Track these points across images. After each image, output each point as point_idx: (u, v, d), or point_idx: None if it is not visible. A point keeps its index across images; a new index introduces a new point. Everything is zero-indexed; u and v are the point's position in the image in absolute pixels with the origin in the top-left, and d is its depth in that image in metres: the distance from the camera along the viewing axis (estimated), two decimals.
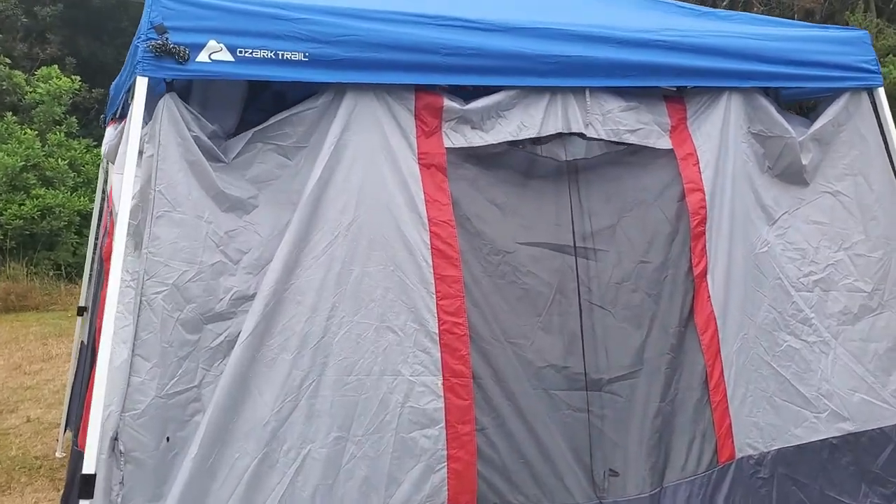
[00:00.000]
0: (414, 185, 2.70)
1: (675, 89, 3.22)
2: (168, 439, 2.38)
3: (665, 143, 3.10)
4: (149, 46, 2.40)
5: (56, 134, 12.45)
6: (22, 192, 11.43)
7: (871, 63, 3.45)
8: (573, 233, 2.92)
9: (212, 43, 2.47)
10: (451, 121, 2.78)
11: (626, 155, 3.08)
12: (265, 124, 2.62)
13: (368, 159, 2.68)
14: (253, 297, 2.50)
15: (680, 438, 2.94)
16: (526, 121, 2.85)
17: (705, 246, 3.08)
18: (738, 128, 3.21)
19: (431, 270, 2.66)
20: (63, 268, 11.42)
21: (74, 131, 13.15)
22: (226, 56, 2.49)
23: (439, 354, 2.63)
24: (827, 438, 3.16)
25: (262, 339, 2.47)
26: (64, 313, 9.83)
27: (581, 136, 2.95)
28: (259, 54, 2.52)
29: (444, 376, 2.62)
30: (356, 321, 2.57)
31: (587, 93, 2.95)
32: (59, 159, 12.07)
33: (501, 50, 2.80)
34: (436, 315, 2.64)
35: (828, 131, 3.38)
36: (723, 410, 2.99)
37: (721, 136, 3.16)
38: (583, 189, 2.97)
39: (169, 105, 2.45)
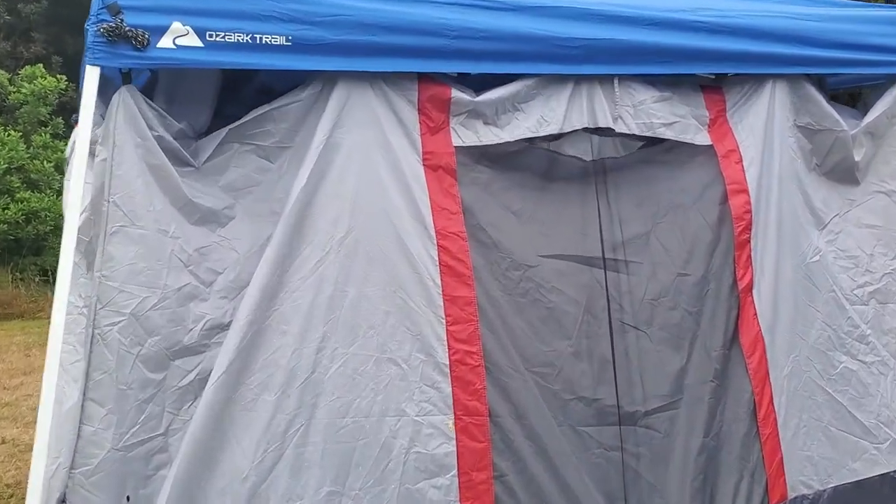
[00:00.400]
0: (418, 191, 2.31)
1: (713, 77, 2.83)
2: (128, 499, 1.99)
3: (703, 138, 2.71)
4: (100, 30, 2.01)
5: (41, 135, 12.02)
6: (6, 196, 11.01)
7: None
8: (602, 242, 2.53)
9: (176, 25, 2.08)
10: (460, 115, 2.39)
11: (660, 153, 2.69)
12: (242, 121, 2.24)
13: (364, 161, 2.29)
14: (229, 326, 2.11)
15: (726, 478, 2.55)
16: (547, 115, 2.46)
17: (751, 255, 2.69)
18: (783, 120, 2.81)
19: (440, 291, 2.27)
20: (50, 273, 11.00)
21: (61, 132, 12.70)
22: (193, 41, 2.10)
23: (450, 389, 2.24)
24: (888, 473, 2.77)
25: (240, 376, 2.08)
26: (50, 321, 9.42)
27: (609, 131, 2.56)
28: (233, 38, 2.13)
29: (456, 415, 2.23)
30: (352, 353, 2.18)
31: (616, 82, 2.56)
32: (45, 161, 11.64)
33: (517, 32, 2.41)
34: (445, 343, 2.25)
35: (882, 123, 2.99)
36: (773, 444, 2.60)
37: (766, 129, 2.77)
38: (612, 192, 2.58)
39: (125, 99, 2.06)
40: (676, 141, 2.67)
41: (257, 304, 2.10)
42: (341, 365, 2.17)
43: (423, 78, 2.36)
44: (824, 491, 2.68)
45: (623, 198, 2.59)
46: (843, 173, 2.95)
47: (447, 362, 2.24)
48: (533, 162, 2.51)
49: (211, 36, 2.10)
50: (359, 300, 2.21)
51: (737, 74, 2.80)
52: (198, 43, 2.09)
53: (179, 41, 2.07)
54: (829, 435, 2.72)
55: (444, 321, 2.25)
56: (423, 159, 2.34)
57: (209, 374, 2.06)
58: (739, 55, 2.72)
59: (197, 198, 2.14)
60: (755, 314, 2.66)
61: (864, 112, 3.04)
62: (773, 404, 2.63)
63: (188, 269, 2.10)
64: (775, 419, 2.62)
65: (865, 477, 2.73)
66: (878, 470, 2.75)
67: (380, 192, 2.29)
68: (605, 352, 2.49)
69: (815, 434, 2.69)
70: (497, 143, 2.41)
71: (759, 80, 2.80)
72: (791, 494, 2.62)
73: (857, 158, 2.94)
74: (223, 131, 2.22)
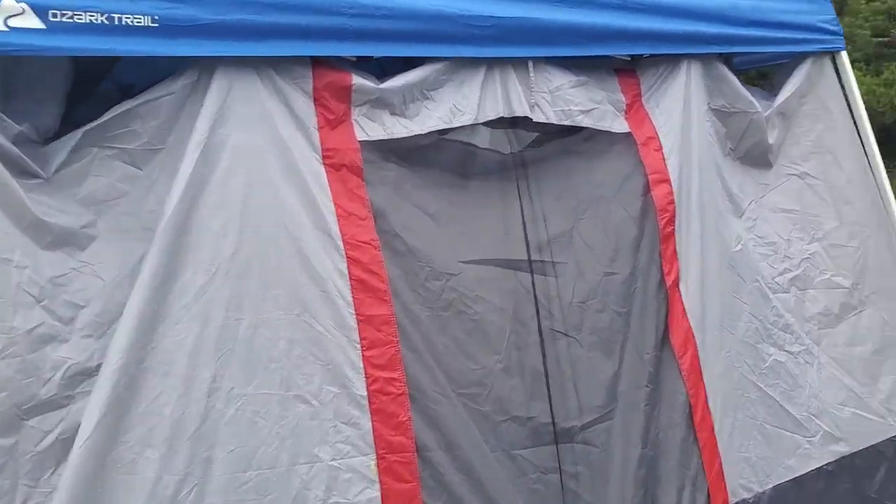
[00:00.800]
0: (320, 195, 1.99)
1: (628, 59, 2.64)
2: None
3: (621, 125, 2.52)
4: None
5: None
6: None
7: (832, 23, 2.99)
8: (527, 243, 2.29)
9: (8, 2, 1.66)
10: (363, 105, 2.07)
11: (578, 142, 2.48)
12: (101, 120, 1.83)
13: (253, 162, 1.95)
14: (97, 370, 1.71)
15: (667, 489, 2.37)
16: (459, 103, 2.19)
17: (676, 249, 2.52)
18: (700, 103, 2.66)
19: (352, 310, 1.95)
20: None
21: None
22: (32, 21, 1.68)
23: (370, 425, 1.93)
24: (822, 466, 2.68)
25: (115, 432, 1.70)
26: None
27: (526, 121, 2.31)
28: (84, 18, 1.74)
29: (378, 454, 1.92)
30: (251, 393, 1.83)
31: (530, 65, 2.32)
32: None
33: (423, 10, 2.12)
34: (362, 371, 1.94)
35: (792, 104, 2.90)
36: (712, 449, 2.45)
37: (683, 114, 2.61)
38: (533, 187, 2.34)
39: None
40: (595, 129, 2.46)
41: (131, 343, 1.72)
42: (239, 409, 1.81)
43: (318, 63, 2.03)
44: (764, 492, 2.54)
45: (545, 193, 2.36)
46: (757, 157, 2.84)
47: (365, 394, 1.93)
48: (447, 156, 2.23)
49: (55, 15, 1.70)
50: (255, 329, 1.86)
51: (651, 56, 2.63)
52: (38, 24, 1.68)
53: (13, 22, 1.66)
54: (765, 433, 2.59)
55: (358, 346, 1.94)
56: (324, 157, 2.01)
57: (75, 433, 1.66)
58: (654, 34, 2.54)
59: (48, 216, 1.73)
60: (684, 311, 2.49)
61: (773, 93, 2.95)
62: (708, 406, 2.47)
63: (41, 305, 1.69)
64: (711, 422, 2.46)
65: (802, 473, 2.63)
66: (812, 465, 2.65)
67: (274, 198, 1.95)
68: (536, 363, 2.25)
69: (750, 433, 2.56)
70: (407, 136, 2.11)
71: (674, 61, 2.63)
72: (732, 500, 2.47)
73: (771, 141, 2.83)
74: (77, 133, 1.81)
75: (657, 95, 2.61)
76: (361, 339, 1.94)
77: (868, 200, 2.99)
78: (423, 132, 2.13)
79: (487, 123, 2.27)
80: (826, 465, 2.67)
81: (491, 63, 2.26)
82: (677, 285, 2.49)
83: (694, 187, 2.58)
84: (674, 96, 2.61)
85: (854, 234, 2.94)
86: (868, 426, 2.82)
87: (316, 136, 2.01)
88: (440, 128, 2.15)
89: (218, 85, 1.92)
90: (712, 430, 2.45)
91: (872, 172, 3.01)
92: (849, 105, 3.02)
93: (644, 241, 2.48)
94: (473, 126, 2.27)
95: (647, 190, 2.50)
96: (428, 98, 2.17)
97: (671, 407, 2.42)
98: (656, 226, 2.49)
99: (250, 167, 1.94)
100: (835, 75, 3.01)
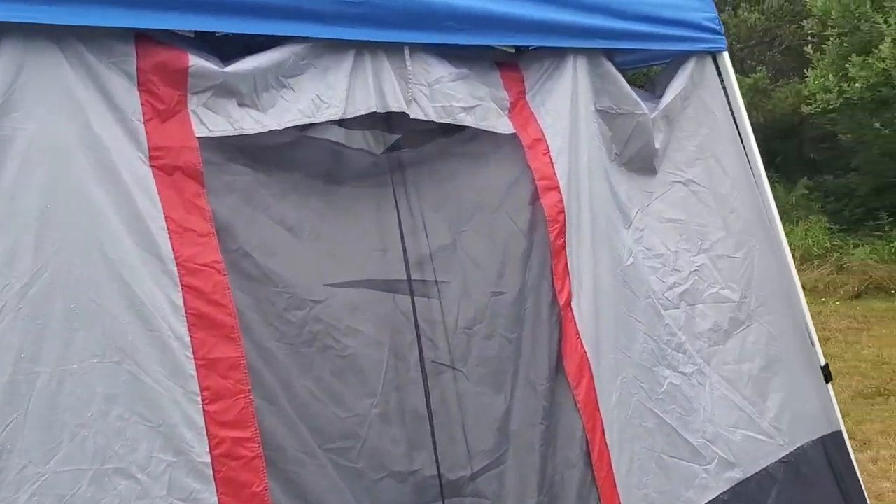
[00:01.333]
0: (145, 205, 1.55)
1: (513, 51, 2.36)
2: None
3: (506, 125, 2.23)
4: None
5: None
6: None
7: (714, 21, 2.85)
8: (406, 260, 1.94)
9: None
10: (203, 92, 1.65)
11: (461, 143, 2.16)
12: None
13: (56, 163, 1.49)
14: None
15: None
16: (324, 94, 1.81)
17: (567, 263, 2.25)
18: (587, 103, 2.42)
19: (190, 353, 1.52)
20: None
21: None
22: None
23: (216, 500, 1.51)
24: (718, 496, 2.50)
25: None
26: None
27: (403, 117, 1.97)
28: None
29: None
30: (52, 471, 1.37)
31: (406, 53, 1.98)
32: None
33: None
34: (204, 432, 1.51)
35: (676, 106, 2.72)
36: (610, 489, 2.19)
37: (571, 114, 2.36)
38: (412, 194, 2.00)
39: None
40: (478, 128, 2.16)
41: None
42: (35, 494, 1.35)
43: (142, 39, 1.60)
44: None
45: (425, 200, 2.03)
46: (643, 162, 2.63)
47: (208, 460, 1.51)
48: (311, 158, 1.84)
49: None
50: (59, 384, 1.40)
51: (535, 50, 2.36)
52: None
53: None
54: (663, 464, 2.37)
55: (199, 399, 1.52)
56: (151, 158, 1.58)
57: None
58: (538, 24, 2.28)
59: None
60: (577, 333, 2.23)
61: (656, 94, 2.76)
62: (605, 440, 2.22)
63: None
64: (609, 458, 2.21)
65: None
66: (709, 495, 2.46)
67: (84, 209, 1.50)
68: (418, 405, 1.90)
69: (648, 466, 2.33)
70: (260, 133, 1.71)
71: (560, 56, 2.37)
72: None
73: (657, 146, 2.64)
74: None
75: (543, 93, 2.34)
76: (202, 389, 1.52)
77: (752, 208, 2.86)
78: (279, 127, 1.73)
79: (358, 120, 1.90)
80: (722, 494, 2.50)
81: (361, 48, 1.90)
82: (570, 304, 2.23)
83: (584, 195, 2.33)
84: (560, 95, 2.35)
85: (740, 244, 2.80)
86: (759, 448, 2.67)
87: (141, 130, 1.57)
88: (301, 123, 1.77)
89: (5, 62, 1.45)
90: (610, 467, 2.21)
91: (755, 178, 2.90)
92: (730, 108, 2.89)
93: (533, 255, 2.20)
94: (342, 122, 1.90)
95: (535, 198, 2.23)
96: (285, 87, 1.77)
97: (567, 444, 2.15)
98: (546, 238, 2.22)
99: (51, 169, 1.48)
100: (717, 77, 2.87)
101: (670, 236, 2.66)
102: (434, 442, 1.88)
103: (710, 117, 2.83)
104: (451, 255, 2.06)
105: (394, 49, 1.96)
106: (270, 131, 1.72)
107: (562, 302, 2.21)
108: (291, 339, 1.69)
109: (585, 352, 2.22)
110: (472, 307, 2.06)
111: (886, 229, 9.35)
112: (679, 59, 2.78)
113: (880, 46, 8.49)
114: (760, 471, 2.64)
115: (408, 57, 1.97)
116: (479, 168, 2.20)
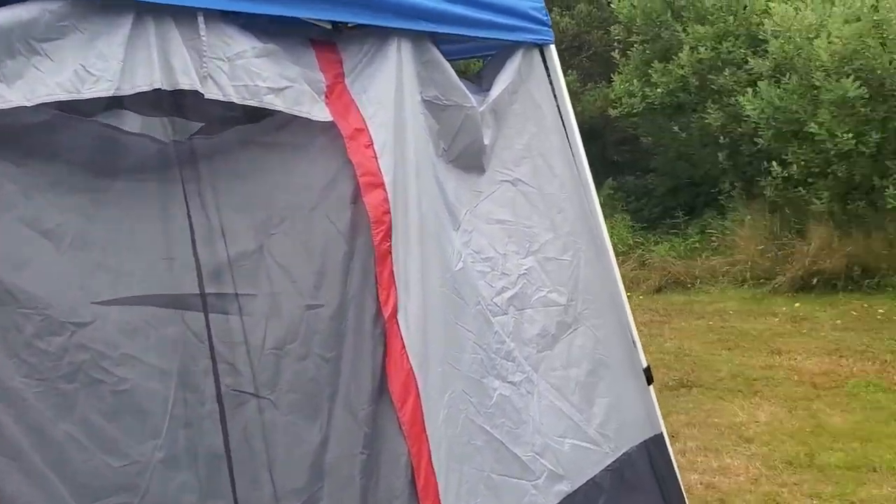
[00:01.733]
0: None
1: (329, 27, 2.08)
2: None
3: (322, 111, 1.95)
4: None
5: None
6: None
7: (541, 12, 2.73)
8: (198, 270, 1.62)
9: None
10: None
11: (268, 131, 1.86)
12: None
13: None
14: None
15: None
16: (93, 65, 1.45)
17: (393, 270, 2.02)
18: (413, 92, 2.20)
19: None
20: None
21: None
22: None
23: None
24: None
25: None
26: None
27: (195, 97, 1.64)
28: None
29: None
30: None
31: (200, 20, 1.65)
32: None
33: None
34: None
35: (504, 101, 2.57)
36: None
37: (396, 103, 2.12)
38: (207, 191, 1.67)
39: None
40: (289, 115, 1.87)
41: None
42: None
43: None
44: None
45: (224, 199, 1.71)
46: (471, 159, 2.46)
47: None
48: (75, 144, 1.47)
49: None
50: None
51: (356, 28, 2.11)
52: None
53: None
54: (492, 484, 2.20)
55: None
56: None
57: None
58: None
59: None
60: (404, 348, 2.00)
61: (482, 87, 2.60)
62: (432, 465, 2.00)
63: None
64: (436, 484, 2.00)
65: None
66: None
67: None
68: (213, 444, 1.59)
69: (477, 488, 2.15)
70: (4, 111, 1.33)
71: (383, 37, 2.14)
72: None
73: (486, 141, 2.47)
74: None
75: (364, 78, 2.09)
76: None
77: (579, 208, 2.78)
78: (29, 104, 1.35)
79: (139, 100, 1.55)
80: None
81: (142, 11, 1.56)
82: (395, 316, 2.00)
83: (412, 194, 2.11)
84: (384, 81, 2.11)
85: (568, 246, 2.70)
86: (586, 457, 2.58)
87: None
88: (60, 99, 1.40)
89: None
90: (437, 494, 2.00)
91: (580, 177, 2.81)
92: (557, 104, 2.79)
93: (355, 261, 1.95)
94: (119, 102, 1.55)
95: (357, 196, 1.97)
96: (39, 54, 1.40)
97: (391, 473, 1.92)
98: (370, 242, 1.97)
99: None
100: (544, 70, 2.75)
101: (499, 238, 2.50)
102: (233, 486, 1.58)
103: (538, 113, 2.70)
104: (257, 263, 1.76)
105: (184, 15, 1.63)
106: (17, 108, 1.34)
107: (387, 314, 1.97)
108: (45, 373, 1.33)
109: (412, 368, 2.00)
110: (283, 324, 1.77)
111: (682, 227, 9.93)
112: (506, 51, 2.63)
113: (679, 54, 8.98)
114: (588, 481, 2.55)
115: (202, 25, 1.64)
116: (292, 161, 1.92)
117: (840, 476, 4.00)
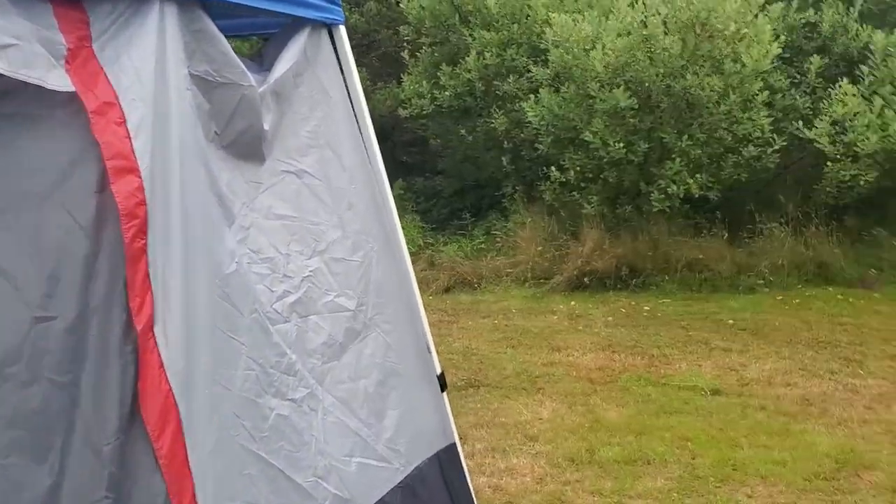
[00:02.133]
0: None
1: None
2: None
3: (60, 79, 1.60)
4: None
5: None
6: None
7: None
8: None
9: None
10: None
11: None
12: None
13: None
14: None
15: None
16: None
17: (149, 273, 1.69)
18: (178, 64, 1.88)
19: None
20: None
21: None
22: None
23: None
24: None
25: None
26: None
27: None
28: None
29: None
30: None
31: None
32: None
33: None
34: None
35: (288, 83, 2.31)
36: None
37: (157, 75, 1.80)
38: None
39: None
40: (15, 81, 1.50)
41: None
42: None
43: None
44: None
45: None
46: (249, 146, 2.17)
47: None
48: None
49: None
50: None
51: None
52: None
53: None
54: None
55: None
56: None
57: None
58: None
59: None
60: (162, 366, 1.69)
61: (263, 67, 2.32)
62: (195, 501, 1.70)
63: None
64: None
65: None
66: None
67: None
68: None
69: None
70: None
71: None
72: None
73: (266, 127, 2.20)
74: None
75: (116, 44, 1.76)
76: None
77: (370, 203, 2.58)
78: None
79: None
80: None
81: None
82: (152, 328, 1.68)
83: (174, 183, 1.79)
84: (142, 48, 1.78)
85: (358, 246, 2.49)
86: (375, 476, 2.38)
87: None
88: None
89: None
90: None
91: (372, 170, 2.62)
92: (347, 90, 2.57)
93: (100, 263, 1.61)
94: None
95: (104, 184, 1.64)
96: None
97: None
98: (119, 239, 1.64)
99: None
100: (333, 53, 2.52)
101: (280, 236, 2.23)
102: None
103: (326, 98, 2.47)
104: None
105: None
106: None
107: (140, 325, 1.65)
108: None
109: (171, 389, 1.68)
110: (1, 342, 1.40)
111: (469, 228, 10.10)
112: (290, 29, 2.37)
113: (467, 58, 9.10)
114: (377, 502, 2.35)
115: None
116: (19, 138, 1.54)
117: (618, 471, 4.12)
